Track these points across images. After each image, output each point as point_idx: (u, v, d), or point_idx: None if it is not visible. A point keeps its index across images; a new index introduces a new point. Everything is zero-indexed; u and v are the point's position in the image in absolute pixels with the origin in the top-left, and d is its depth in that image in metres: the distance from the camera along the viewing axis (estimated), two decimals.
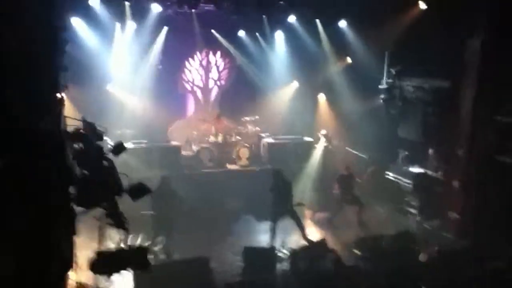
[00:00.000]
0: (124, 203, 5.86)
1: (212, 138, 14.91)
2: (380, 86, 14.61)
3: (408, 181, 13.23)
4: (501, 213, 10.48)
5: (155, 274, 7.26)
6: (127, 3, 12.91)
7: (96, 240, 7.90)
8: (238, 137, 15.23)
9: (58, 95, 6.24)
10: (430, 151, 13.15)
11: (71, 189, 5.19)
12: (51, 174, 4.67)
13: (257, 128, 15.99)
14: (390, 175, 13.97)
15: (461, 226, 11.37)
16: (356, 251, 10.12)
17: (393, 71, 14.12)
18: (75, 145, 5.53)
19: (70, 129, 5.74)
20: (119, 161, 6.01)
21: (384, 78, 14.56)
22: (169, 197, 10.25)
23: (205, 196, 12.80)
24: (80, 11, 12.40)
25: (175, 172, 13.11)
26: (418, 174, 13.14)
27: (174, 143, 14.38)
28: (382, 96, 14.53)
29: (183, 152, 14.46)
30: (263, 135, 15.69)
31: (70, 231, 5.26)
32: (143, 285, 8.18)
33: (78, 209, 5.32)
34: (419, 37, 12.66)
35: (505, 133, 10.81)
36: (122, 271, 5.68)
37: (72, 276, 7.18)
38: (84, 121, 5.73)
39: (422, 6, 12.75)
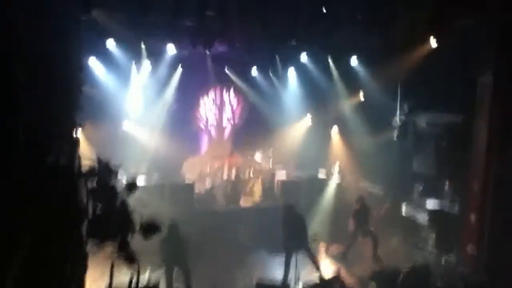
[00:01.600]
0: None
1: (225, 175, 14.95)
2: (393, 124, 14.61)
3: (424, 215, 13.11)
4: None
5: None
6: (142, 44, 13.23)
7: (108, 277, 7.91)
8: (251, 174, 15.24)
9: (74, 134, 6.39)
10: (446, 185, 13.06)
11: (84, 227, 5.26)
12: (64, 212, 4.77)
13: (270, 164, 16.04)
14: (405, 209, 13.84)
15: (478, 260, 11.17)
16: (371, 286, 9.98)
17: (405, 107, 14.14)
18: (89, 184, 5.62)
19: (84, 167, 5.84)
20: (132, 197, 6.08)
21: (397, 114, 14.59)
22: (175, 245, 9.90)
23: (218, 233, 12.73)
24: (97, 51, 12.72)
25: (188, 208, 13.18)
26: (434, 208, 13.02)
27: (187, 179, 14.42)
28: (396, 133, 14.51)
29: (196, 189, 14.50)
30: (276, 171, 15.70)
31: (82, 268, 5.31)
32: None
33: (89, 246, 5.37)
34: (431, 72, 12.75)
35: None
36: None
37: None
38: (98, 159, 5.82)
39: (433, 43, 12.83)
